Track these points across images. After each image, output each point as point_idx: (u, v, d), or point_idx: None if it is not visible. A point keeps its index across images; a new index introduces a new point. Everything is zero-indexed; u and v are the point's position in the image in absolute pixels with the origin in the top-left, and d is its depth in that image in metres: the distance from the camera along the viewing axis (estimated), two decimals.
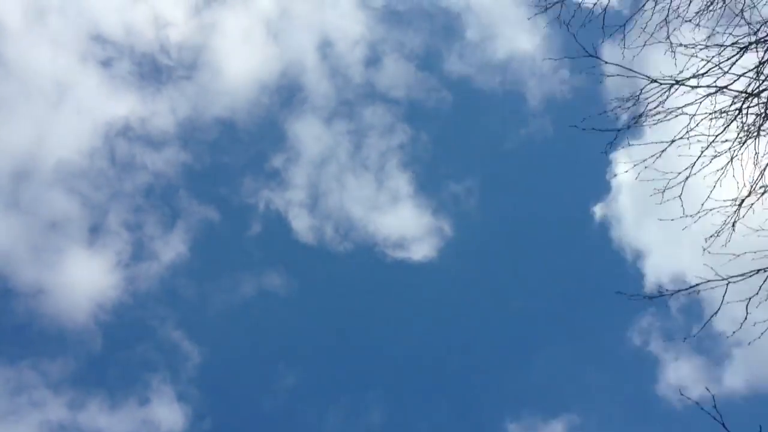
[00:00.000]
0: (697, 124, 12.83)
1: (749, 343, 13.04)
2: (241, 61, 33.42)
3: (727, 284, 13.29)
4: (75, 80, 31.66)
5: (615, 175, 31.92)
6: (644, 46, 15.45)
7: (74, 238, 29.48)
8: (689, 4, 14.01)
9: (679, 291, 12.96)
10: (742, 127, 12.58)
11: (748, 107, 12.52)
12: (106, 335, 28.55)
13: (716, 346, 29.09)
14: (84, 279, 28.82)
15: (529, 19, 15.01)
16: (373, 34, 34.43)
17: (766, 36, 12.32)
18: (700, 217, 13.20)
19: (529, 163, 33.22)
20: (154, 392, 27.63)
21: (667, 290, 12.93)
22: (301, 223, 31.08)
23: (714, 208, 12.97)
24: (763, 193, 12.82)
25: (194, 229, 30.55)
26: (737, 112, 12.50)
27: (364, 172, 32.11)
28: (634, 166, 13.80)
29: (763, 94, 12.46)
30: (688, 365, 28.94)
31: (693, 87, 12.68)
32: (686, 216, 13.52)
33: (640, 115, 13.91)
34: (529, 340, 29.95)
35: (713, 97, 12.64)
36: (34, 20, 32.27)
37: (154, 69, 32.82)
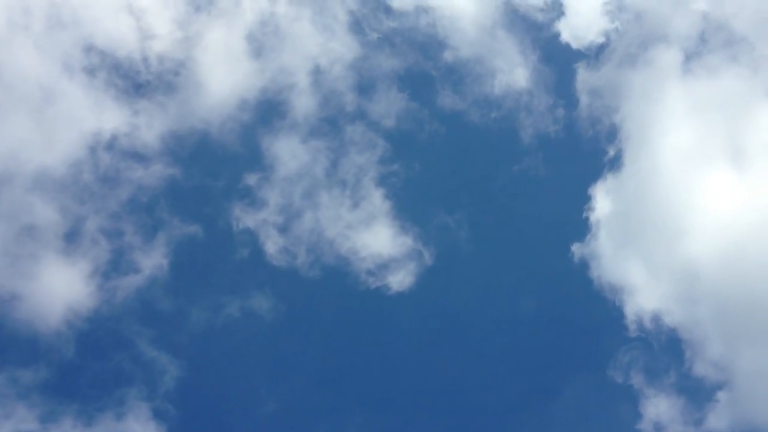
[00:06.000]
0: None
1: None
2: (223, 76, 34.10)
3: None
4: (60, 89, 32.06)
5: (593, 210, 33.49)
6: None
7: (51, 246, 29.64)
8: None
9: None
10: None
11: None
12: (79, 343, 28.76)
13: (699, 387, 30.15)
14: (60, 286, 28.97)
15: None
16: (365, 61, 35.52)
17: None
18: None
19: (518, 200, 34.21)
20: (129, 408, 27.76)
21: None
22: (273, 246, 31.63)
23: None
24: None
25: (174, 243, 31.00)
26: None
27: (344, 193, 32.78)
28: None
29: None
30: (668, 404, 29.88)
31: None
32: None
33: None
34: (507, 377, 30.64)
35: None
36: (19, 28, 32.68)
37: (137, 82, 33.37)
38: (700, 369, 30.16)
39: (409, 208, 32.84)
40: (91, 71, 32.79)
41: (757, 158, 32.70)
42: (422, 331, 31.30)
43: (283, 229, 31.96)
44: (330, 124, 34.10)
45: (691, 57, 35.15)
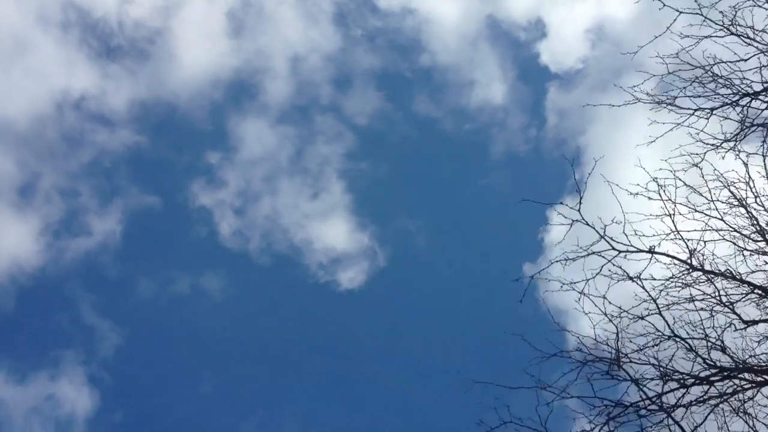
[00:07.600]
0: None
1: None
2: (198, 50, 34.08)
3: None
4: (32, 40, 31.79)
5: (546, 233, 33.84)
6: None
7: (3, 198, 29.51)
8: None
9: None
10: None
11: None
12: (20, 299, 28.64)
13: (632, 417, 30.62)
14: (7, 240, 28.87)
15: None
16: (345, 55, 35.56)
17: None
18: None
19: (479, 214, 34.41)
20: (64, 370, 27.61)
21: None
22: (228, 227, 31.67)
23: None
24: None
25: (130, 212, 30.97)
26: None
27: (305, 182, 32.89)
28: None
29: None
30: None
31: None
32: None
33: None
34: (442, 390, 30.83)
35: None
36: None
37: (110, 45, 33.11)
38: (636, 399, 30.66)
39: (369, 206, 33.05)
40: (65, 27, 32.46)
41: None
42: (367, 330, 31.50)
43: (239, 212, 31.96)
44: (301, 113, 34.26)
45: (662, 90, 35.60)
